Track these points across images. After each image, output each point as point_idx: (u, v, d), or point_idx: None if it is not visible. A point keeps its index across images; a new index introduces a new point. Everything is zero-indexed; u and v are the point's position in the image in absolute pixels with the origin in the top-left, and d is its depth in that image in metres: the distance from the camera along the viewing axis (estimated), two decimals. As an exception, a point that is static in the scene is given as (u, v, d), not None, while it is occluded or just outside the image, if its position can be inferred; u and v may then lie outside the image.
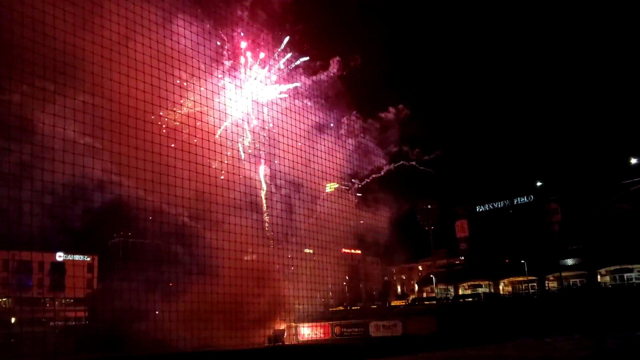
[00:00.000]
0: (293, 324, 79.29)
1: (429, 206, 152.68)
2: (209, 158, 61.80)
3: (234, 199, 64.14)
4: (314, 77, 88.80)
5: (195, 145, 59.97)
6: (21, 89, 47.86)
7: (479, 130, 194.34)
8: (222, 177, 64.60)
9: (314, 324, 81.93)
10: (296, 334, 79.35)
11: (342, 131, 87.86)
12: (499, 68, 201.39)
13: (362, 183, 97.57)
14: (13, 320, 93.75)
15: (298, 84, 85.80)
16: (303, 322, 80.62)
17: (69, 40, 48.91)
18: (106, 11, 54.10)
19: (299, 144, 71.37)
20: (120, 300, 54.61)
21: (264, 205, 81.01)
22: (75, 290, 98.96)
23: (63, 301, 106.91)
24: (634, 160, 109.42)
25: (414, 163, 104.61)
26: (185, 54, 59.45)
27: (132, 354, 52.30)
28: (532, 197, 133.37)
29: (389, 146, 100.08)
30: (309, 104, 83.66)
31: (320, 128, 79.60)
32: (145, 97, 54.32)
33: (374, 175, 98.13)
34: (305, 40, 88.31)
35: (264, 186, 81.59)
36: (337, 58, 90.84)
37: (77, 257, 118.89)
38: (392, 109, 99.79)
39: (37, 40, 47.13)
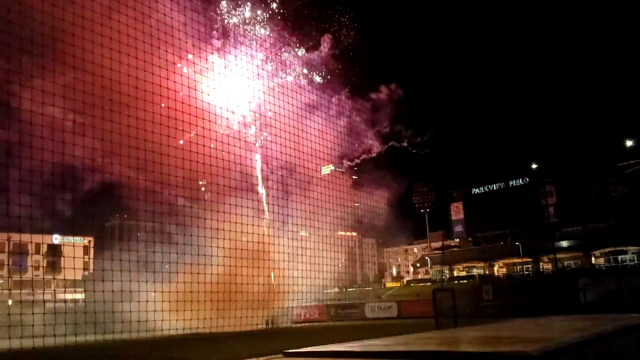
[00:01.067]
0: (288, 306, 79.51)
1: (425, 188, 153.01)
2: (206, 137, 61.09)
3: (228, 178, 63.60)
4: (305, 55, 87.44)
5: (188, 123, 58.94)
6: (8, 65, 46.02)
7: (474, 112, 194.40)
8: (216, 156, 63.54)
9: (309, 305, 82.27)
10: (291, 316, 79.63)
11: (334, 112, 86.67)
12: (493, 50, 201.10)
13: (357, 165, 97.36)
14: (10, 302, 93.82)
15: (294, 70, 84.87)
16: (298, 303, 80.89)
17: (48, 10, 46.25)
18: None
19: (289, 126, 70.44)
20: (115, 282, 54.49)
21: (260, 186, 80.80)
22: (72, 272, 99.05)
23: (60, 283, 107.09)
24: (629, 143, 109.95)
25: (406, 145, 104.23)
26: (172, 27, 57.79)
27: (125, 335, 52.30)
28: (527, 179, 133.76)
29: (383, 127, 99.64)
30: (302, 82, 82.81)
31: (311, 108, 78.61)
32: (134, 74, 53.06)
33: (367, 156, 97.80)
34: (296, 15, 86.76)
35: (258, 167, 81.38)
36: (329, 35, 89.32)
37: (73, 239, 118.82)
38: (385, 89, 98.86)
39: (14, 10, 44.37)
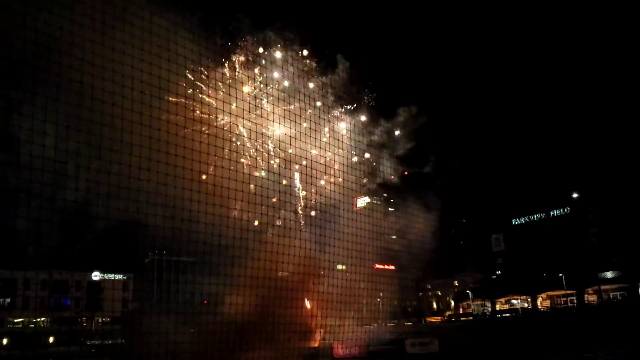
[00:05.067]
0: (327, 341, 78.52)
1: (465, 220, 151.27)
2: (239, 171, 60.89)
3: (262, 213, 63.30)
4: (321, 79, 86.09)
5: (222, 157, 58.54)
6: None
7: (513, 142, 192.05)
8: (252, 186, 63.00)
9: (348, 340, 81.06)
10: (330, 351, 78.61)
11: (366, 139, 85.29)
12: (533, 78, 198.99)
13: (393, 197, 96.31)
14: (51, 339, 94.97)
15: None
16: (337, 339, 79.90)
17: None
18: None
19: (314, 154, 69.66)
20: (154, 319, 54.57)
21: (297, 220, 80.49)
22: (112, 309, 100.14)
23: (99, 320, 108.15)
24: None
25: (445, 176, 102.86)
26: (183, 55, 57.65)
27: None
28: (568, 209, 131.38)
29: (419, 157, 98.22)
30: (319, 105, 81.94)
31: (336, 135, 77.44)
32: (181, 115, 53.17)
33: (404, 187, 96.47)
34: (311, 39, 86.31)
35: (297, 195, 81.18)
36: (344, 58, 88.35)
37: (113, 276, 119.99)
38: (419, 116, 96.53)
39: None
